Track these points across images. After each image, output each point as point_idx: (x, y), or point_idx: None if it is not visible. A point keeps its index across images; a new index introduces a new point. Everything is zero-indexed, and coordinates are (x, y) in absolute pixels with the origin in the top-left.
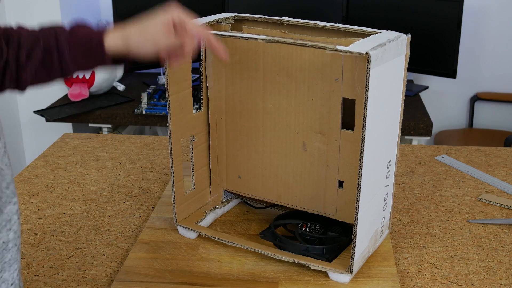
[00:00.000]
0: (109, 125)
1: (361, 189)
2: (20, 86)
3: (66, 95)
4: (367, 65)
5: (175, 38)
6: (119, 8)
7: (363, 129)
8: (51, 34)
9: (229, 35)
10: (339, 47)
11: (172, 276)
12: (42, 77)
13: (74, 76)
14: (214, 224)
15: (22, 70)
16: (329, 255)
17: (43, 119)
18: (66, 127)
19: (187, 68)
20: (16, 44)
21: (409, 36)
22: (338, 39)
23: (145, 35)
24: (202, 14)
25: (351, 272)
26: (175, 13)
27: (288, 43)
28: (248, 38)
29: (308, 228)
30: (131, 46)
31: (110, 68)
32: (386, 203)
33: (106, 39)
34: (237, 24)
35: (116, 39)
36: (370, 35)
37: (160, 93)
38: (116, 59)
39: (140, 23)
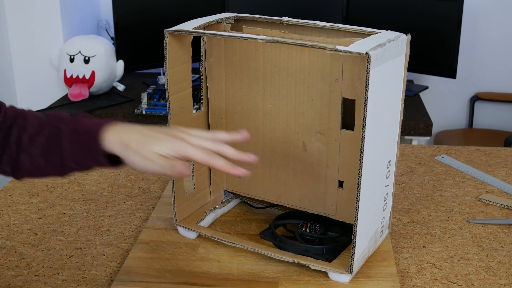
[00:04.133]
0: None
1: (361, 189)
2: (17, 170)
3: (66, 95)
4: (367, 65)
5: (173, 165)
6: (119, 8)
7: (363, 129)
8: (56, 123)
9: (229, 35)
10: (339, 47)
11: (172, 276)
12: (41, 166)
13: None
14: (214, 224)
15: (22, 152)
16: (329, 255)
17: None
18: None
19: (187, 68)
20: (21, 126)
21: (409, 36)
22: (338, 39)
23: (143, 153)
24: (202, 14)
25: (351, 272)
26: (179, 145)
27: (288, 43)
28: (248, 38)
29: (308, 228)
30: (127, 158)
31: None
32: (386, 203)
33: (105, 141)
34: (237, 24)
35: (114, 145)
36: (370, 35)
37: (160, 93)
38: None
39: (142, 135)
